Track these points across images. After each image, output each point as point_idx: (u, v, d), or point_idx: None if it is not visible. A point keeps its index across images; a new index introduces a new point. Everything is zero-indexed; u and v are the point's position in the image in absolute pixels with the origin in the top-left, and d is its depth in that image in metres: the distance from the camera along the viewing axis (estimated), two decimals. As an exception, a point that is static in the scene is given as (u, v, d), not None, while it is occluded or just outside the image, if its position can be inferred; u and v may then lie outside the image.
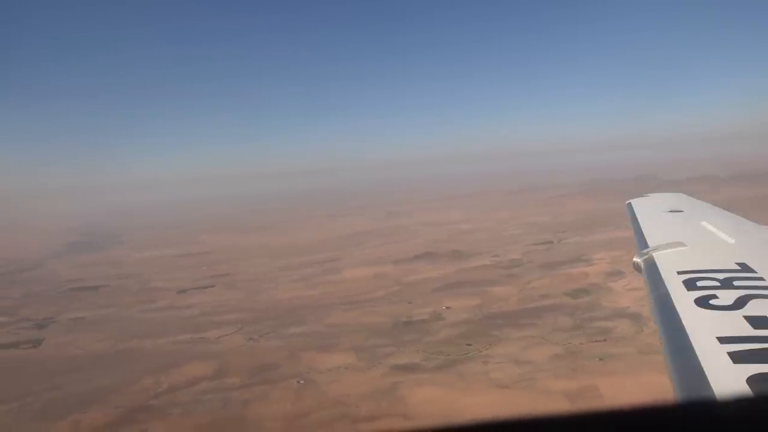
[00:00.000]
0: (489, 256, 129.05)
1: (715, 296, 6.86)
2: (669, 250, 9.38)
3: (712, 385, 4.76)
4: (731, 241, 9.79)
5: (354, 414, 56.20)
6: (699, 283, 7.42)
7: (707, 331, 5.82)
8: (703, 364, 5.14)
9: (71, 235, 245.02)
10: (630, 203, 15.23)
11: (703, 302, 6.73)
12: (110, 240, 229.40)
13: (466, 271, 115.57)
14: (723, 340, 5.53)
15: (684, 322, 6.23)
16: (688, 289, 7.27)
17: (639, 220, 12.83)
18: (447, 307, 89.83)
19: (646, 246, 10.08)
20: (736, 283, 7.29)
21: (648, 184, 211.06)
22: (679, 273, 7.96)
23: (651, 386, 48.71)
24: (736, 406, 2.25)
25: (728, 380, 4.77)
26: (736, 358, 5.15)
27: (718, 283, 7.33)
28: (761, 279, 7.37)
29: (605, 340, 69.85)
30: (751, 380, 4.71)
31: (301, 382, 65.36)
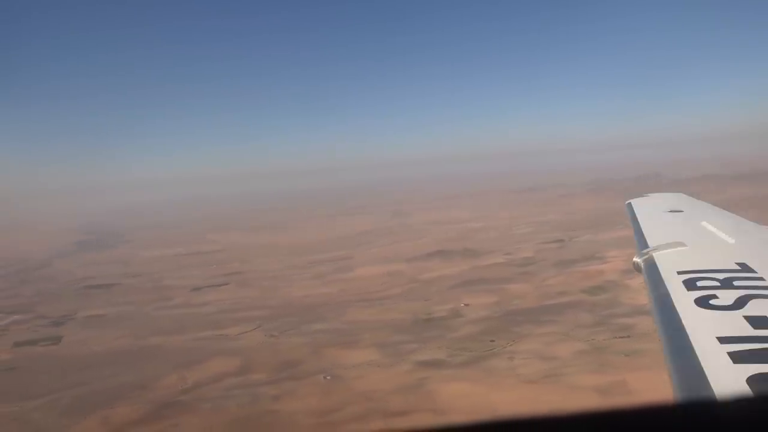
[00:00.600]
0: (501, 254, 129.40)
1: (715, 296, 6.86)
2: (669, 250, 9.36)
3: (712, 385, 4.75)
4: (731, 241, 9.77)
5: (385, 409, 56.45)
6: (699, 283, 7.43)
7: (707, 331, 5.82)
8: (703, 364, 5.14)
9: (76, 235, 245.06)
10: (630, 203, 15.22)
11: (703, 302, 6.73)
12: (115, 239, 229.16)
13: (480, 269, 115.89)
14: (723, 340, 5.53)
15: (684, 322, 6.24)
16: (688, 289, 7.27)
17: (639, 220, 12.84)
18: (465, 304, 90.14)
19: (646, 246, 10.09)
20: (736, 283, 7.29)
21: (652, 184, 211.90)
22: (679, 273, 7.97)
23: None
24: (736, 406, 2.28)
25: (728, 380, 4.76)
26: (736, 358, 5.14)
27: (718, 283, 7.33)
28: (761, 279, 7.37)
29: (629, 336, 70.14)
30: (751, 380, 4.70)
31: (328, 378, 65.61)
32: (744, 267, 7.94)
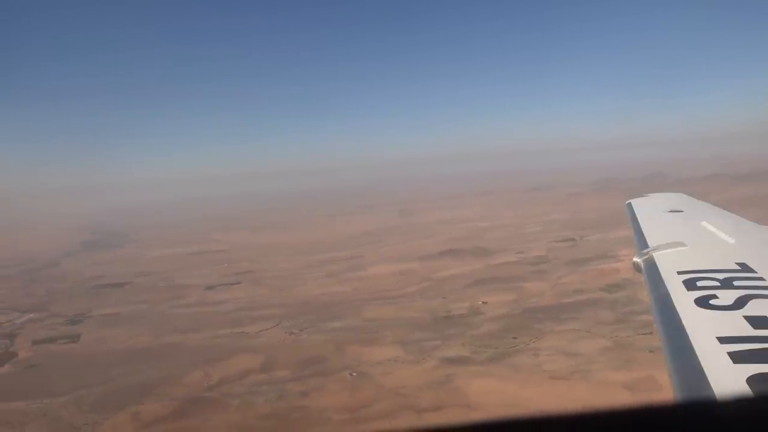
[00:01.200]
0: (513, 252, 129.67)
1: (715, 296, 6.86)
2: (669, 250, 9.35)
3: (712, 385, 4.75)
4: (731, 241, 9.77)
5: (415, 405, 56.67)
6: (699, 283, 7.43)
7: (707, 331, 5.82)
8: (703, 364, 5.14)
9: (80, 234, 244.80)
10: (630, 203, 15.23)
11: (703, 302, 6.72)
12: (120, 239, 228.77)
13: (494, 268, 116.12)
14: (723, 340, 5.53)
15: (684, 322, 6.22)
16: (688, 289, 7.26)
17: (639, 220, 12.83)
18: (483, 302, 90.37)
19: (646, 246, 10.07)
20: (736, 283, 7.28)
21: (658, 183, 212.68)
22: (679, 273, 7.97)
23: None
24: (736, 406, 2.27)
25: (728, 380, 4.76)
26: (736, 358, 5.14)
27: (718, 283, 7.33)
28: (761, 279, 7.37)
29: (651, 333, 70.27)
30: (751, 380, 4.70)
31: (354, 374, 65.81)
32: (744, 267, 7.94)
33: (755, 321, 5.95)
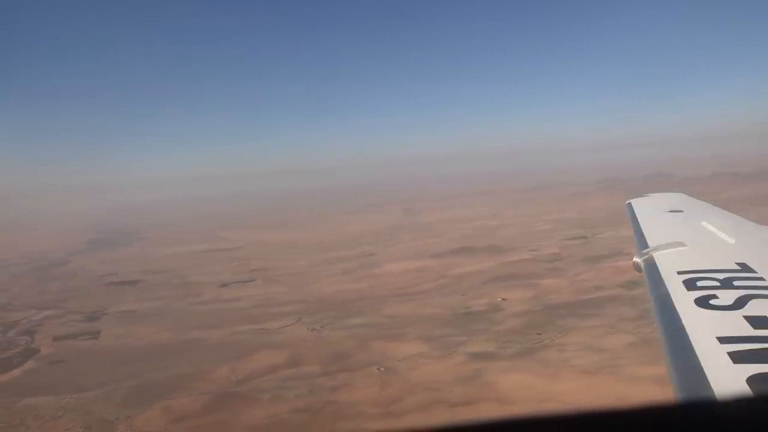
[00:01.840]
0: (526, 250, 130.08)
1: (715, 296, 6.87)
2: (669, 250, 9.35)
3: (712, 385, 4.76)
4: (731, 241, 9.78)
5: (447, 399, 56.94)
6: (699, 283, 7.44)
7: (707, 331, 5.83)
8: (703, 364, 5.14)
9: (85, 233, 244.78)
10: (630, 203, 15.23)
11: (703, 302, 6.74)
12: (126, 237, 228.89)
13: (508, 265, 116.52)
14: (723, 340, 5.54)
15: (684, 322, 6.24)
16: (688, 289, 7.28)
17: (639, 220, 12.84)
18: (503, 299, 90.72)
19: (646, 246, 10.10)
20: (736, 283, 7.30)
21: (662, 182, 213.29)
22: (679, 273, 7.98)
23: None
24: (736, 406, 2.28)
25: (728, 380, 4.77)
26: (736, 358, 5.15)
27: (718, 283, 7.34)
28: (761, 279, 7.39)
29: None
30: (751, 380, 4.71)
31: (381, 369, 66.08)
32: (744, 267, 7.95)
33: (755, 321, 5.95)
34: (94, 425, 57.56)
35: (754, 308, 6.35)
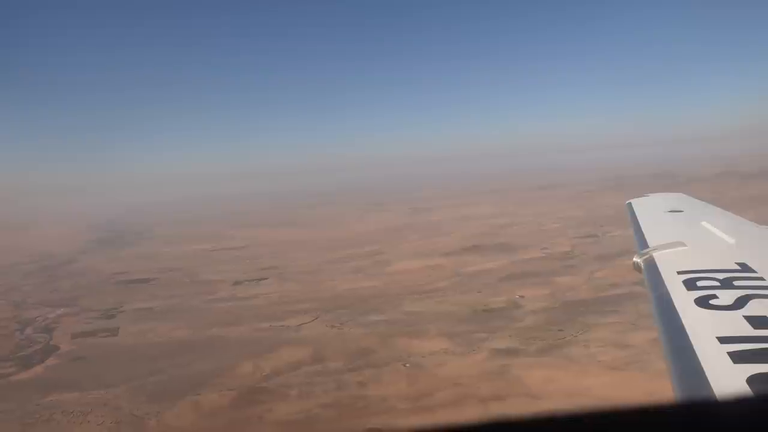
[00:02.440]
0: (538, 248, 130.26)
1: (715, 296, 6.86)
2: (669, 250, 9.34)
3: (712, 385, 4.76)
4: (731, 241, 9.73)
5: (477, 394, 57.11)
6: (699, 283, 7.43)
7: (707, 331, 5.82)
8: (703, 364, 5.13)
9: (91, 232, 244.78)
10: (630, 203, 15.20)
11: (703, 302, 6.73)
12: (132, 236, 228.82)
13: (521, 263, 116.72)
14: (723, 340, 5.53)
15: (684, 322, 6.23)
16: (688, 289, 7.27)
17: (639, 219, 12.81)
18: (520, 296, 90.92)
19: (646, 246, 10.07)
20: (736, 283, 7.29)
21: (669, 181, 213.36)
22: (679, 273, 7.97)
23: None
24: (736, 406, 2.28)
25: (728, 380, 4.77)
26: (736, 358, 5.14)
27: (718, 283, 7.33)
28: (761, 279, 7.38)
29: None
30: (751, 380, 4.71)
31: (407, 365, 66.26)
32: (744, 267, 7.94)
33: (755, 321, 5.95)
34: (123, 420, 57.61)
35: (754, 308, 6.33)
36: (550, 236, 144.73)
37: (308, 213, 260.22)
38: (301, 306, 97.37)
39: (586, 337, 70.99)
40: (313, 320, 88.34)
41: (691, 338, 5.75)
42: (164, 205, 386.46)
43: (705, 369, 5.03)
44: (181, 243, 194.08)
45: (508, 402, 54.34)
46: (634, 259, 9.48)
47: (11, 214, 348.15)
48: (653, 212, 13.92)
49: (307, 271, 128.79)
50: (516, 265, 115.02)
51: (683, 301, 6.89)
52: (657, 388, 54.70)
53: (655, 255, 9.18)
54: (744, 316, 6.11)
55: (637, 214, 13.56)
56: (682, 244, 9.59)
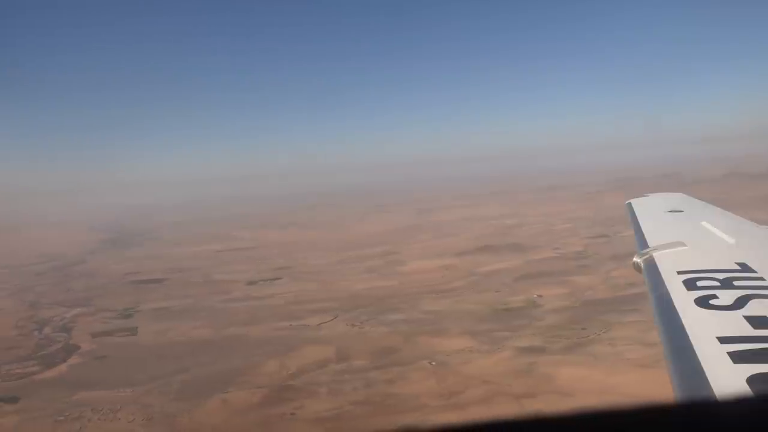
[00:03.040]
0: (550, 248, 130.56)
1: (715, 296, 6.87)
2: (669, 250, 9.34)
3: (712, 385, 4.77)
4: (731, 241, 9.74)
5: (508, 392, 57.32)
6: (699, 283, 7.44)
7: (707, 331, 5.82)
8: (703, 364, 5.14)
9: (98, 233, 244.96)
10: (630, 203, 15.20)
11: (703, 302, 6.73)
12: (139, 237, 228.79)
13: (535, 263, 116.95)
14: (723, 340, 5.53)
15: (684, 322, 6.25)
16: (688, 289, 7.27)
17: (639, 219, 12.82)
18: (539, 295, 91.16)
19: (646, 246, 10.09)
20: (736, 283, 7.31)
21: (675, 182, 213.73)
22: (679, 273, 7.97)
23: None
24: (736, 406, 2.27)
25: (728, 380, 4.78)
26: (736, 358, 5.14)
27: (718, 283, 7.34)
28: (761, 279, 7.39)
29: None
30: (751, 380, 4.72)
31: (434, 363, 66.40)
32: (744, 267, 7.95)
33: (755, 321, 5.96)
34: (155, 417, 57.71)
35: (754, 308, 6.34)
36: (561, 236, 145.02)
37: (311, 214, 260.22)
38: (319, 305, 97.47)
39: (610, 335, 71.16)
40: (332, 319, 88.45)
41: (691, 338, 5.78)
42: (167, 206, 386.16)
43: (705, 369, 5.03)
44: (189, 244, 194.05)
45: (540, 399, 54.49)
46: (634, 259, 9.52)
47: (17, 214, 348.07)
48: (653, 212, 13.97)
49: (320, 271, 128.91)
50: (530, 265, 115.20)
51: (683, 301, 6.90)
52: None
53: (655, 255, 9.18)
54: (744, 316, 6.11)
55: (637, 214, 13.60)
56: (682, 244, 9.58)
